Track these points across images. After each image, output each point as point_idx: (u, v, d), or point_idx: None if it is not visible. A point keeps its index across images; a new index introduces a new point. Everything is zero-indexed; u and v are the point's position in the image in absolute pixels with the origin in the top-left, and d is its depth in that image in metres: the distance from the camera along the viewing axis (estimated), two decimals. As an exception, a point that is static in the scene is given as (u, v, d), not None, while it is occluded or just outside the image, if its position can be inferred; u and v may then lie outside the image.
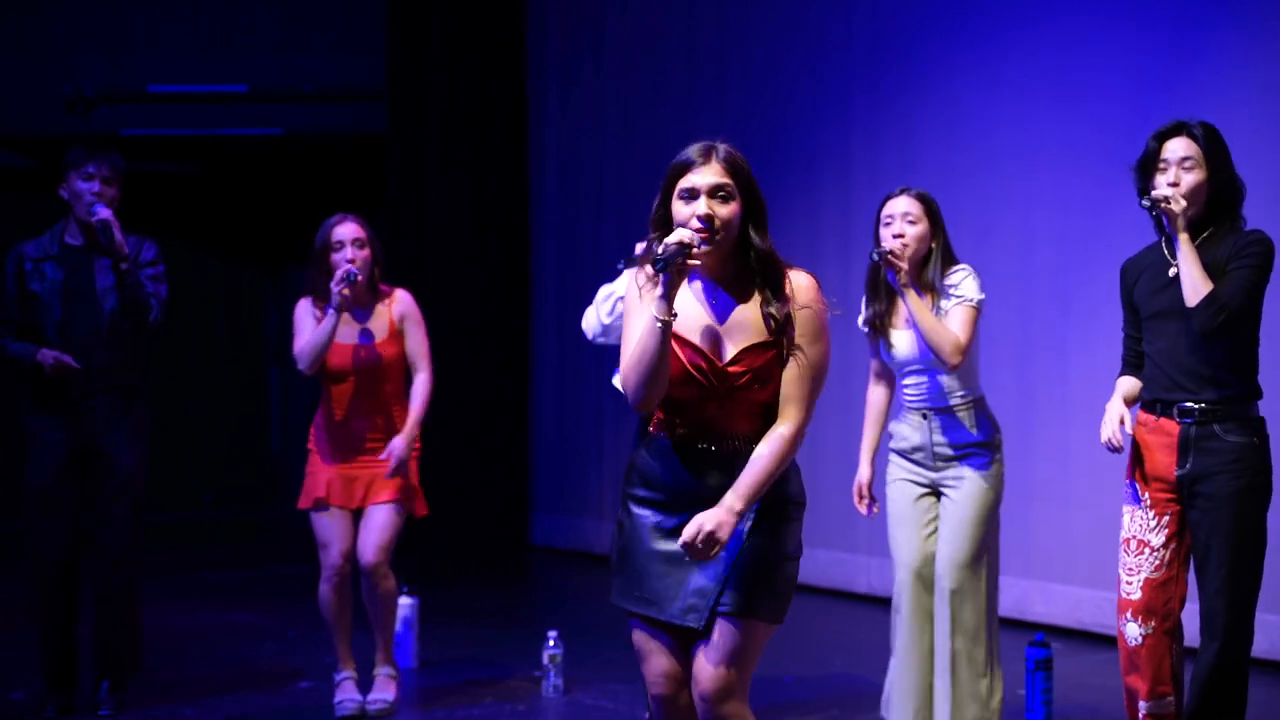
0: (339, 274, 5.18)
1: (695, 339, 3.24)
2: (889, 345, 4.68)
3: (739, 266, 3.24)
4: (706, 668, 3.21)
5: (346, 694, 5.40)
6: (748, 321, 3.22)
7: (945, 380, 4.59)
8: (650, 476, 3.29)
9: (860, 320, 4.78)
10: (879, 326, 4.67)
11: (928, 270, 4.60)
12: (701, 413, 3.25)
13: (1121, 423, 4.10)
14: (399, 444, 5.29)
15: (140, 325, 5.21)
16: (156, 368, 6.37)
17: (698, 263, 3.13)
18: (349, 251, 5.29)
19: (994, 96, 7.10)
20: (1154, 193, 4.03)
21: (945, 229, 4.67)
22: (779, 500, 3.26)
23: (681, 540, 3.12)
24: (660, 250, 3.08)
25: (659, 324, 3.12)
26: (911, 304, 4.49)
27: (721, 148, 3.21)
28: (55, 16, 10.60)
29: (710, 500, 3.18)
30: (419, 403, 5.39)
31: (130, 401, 5.28)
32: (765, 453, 3.18)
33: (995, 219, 6.88)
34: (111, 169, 5.21)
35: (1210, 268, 4.01)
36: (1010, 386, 6.61)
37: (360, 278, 5.23)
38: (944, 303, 4.57)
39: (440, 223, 9.81)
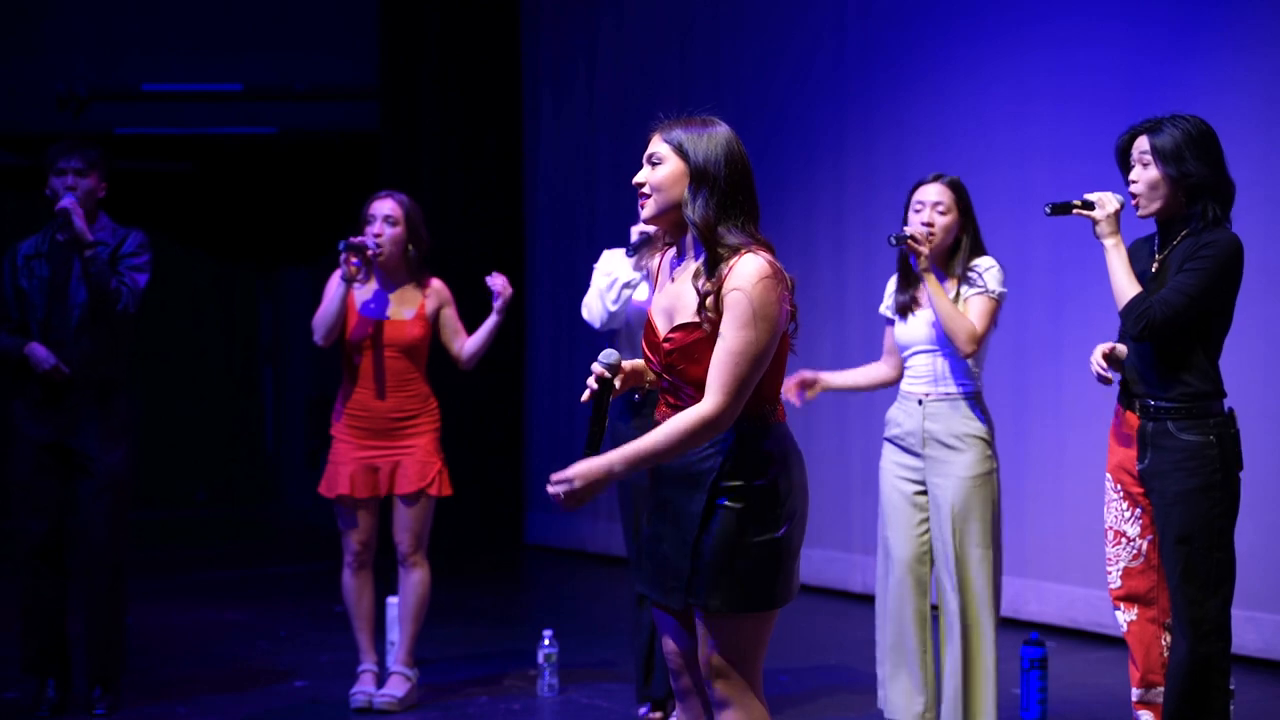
0: (349, 242, 5.22)
1: (654, 312, 3.23)
2: (905, 327, 4.66)
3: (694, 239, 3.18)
4: (700, 653, 3.19)
5: (360, 686, 5.41)
6: (687, 298, 3.14)
7: (949, 366, 4.58)
8: None
9: (884, 307, 4.78)
10: (907, 312, 4.66)
11: (955, 260, 4.61)
12: (659, 387, 3.25)
13: (1108, 353, 4.11)
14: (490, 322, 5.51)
15: (109, 315, 5.21)
16: (149, 366, 6.40)
17: (651, 244, 3.27)
18: (378, 226, 5.35)
19: (988, 97, 7.10)
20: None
21: (975, 220, 4.69)
22: (735, 484, 3.11)
23: (549, 487, 3.06)
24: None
25: None
26: (930, 288, 4.50)
27: (672, 125, 3.16)
28: (49, 15, 10.59)
29: (666, 477, 3.16)
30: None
31: (110, 395, 5.27)
32: (665, 426, 3.07)
33: (990, 219, 6.84)
34: (83, 161, 5.22)
35: (1171, 269, 4.02)
36: (1005, 386, 6.62)
37: (375, 251, 5.26)
38: (964, 291, 4.57)
39: (434, 222, 9.79)
